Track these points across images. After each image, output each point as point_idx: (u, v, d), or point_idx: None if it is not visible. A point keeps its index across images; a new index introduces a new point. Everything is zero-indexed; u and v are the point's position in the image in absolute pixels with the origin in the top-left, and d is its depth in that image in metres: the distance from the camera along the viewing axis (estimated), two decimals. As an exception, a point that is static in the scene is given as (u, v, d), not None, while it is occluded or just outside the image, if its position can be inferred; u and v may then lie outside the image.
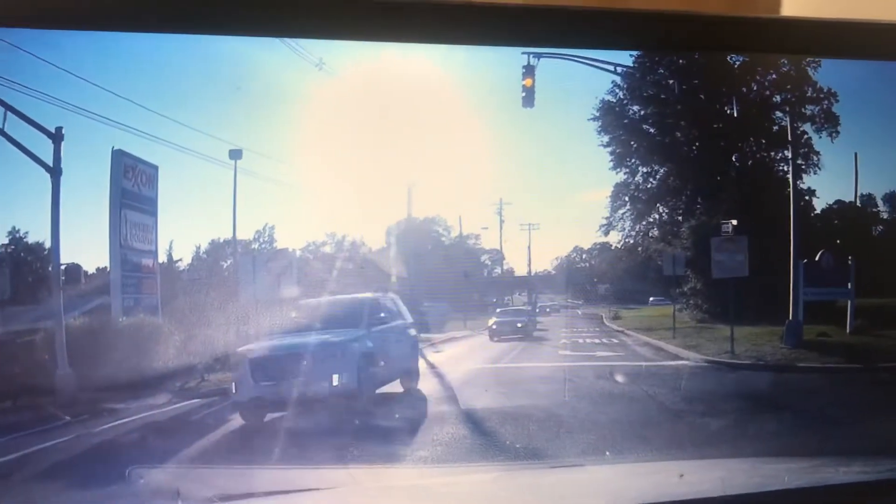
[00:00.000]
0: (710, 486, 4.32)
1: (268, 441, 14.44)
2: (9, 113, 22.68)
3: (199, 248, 42.71)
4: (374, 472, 10.26)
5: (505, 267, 53.47)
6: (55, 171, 23.98)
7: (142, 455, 13.70)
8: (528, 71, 25.29)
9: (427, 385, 21.86)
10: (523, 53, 23.78)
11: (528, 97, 25.28)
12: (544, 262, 71.16)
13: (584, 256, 63.40)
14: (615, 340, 34.77)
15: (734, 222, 29.36)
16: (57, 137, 24.17)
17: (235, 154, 33.22)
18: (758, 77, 36.18)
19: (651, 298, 47.77)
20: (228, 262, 37.87)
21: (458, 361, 27.31)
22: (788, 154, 39.37)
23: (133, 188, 27.94)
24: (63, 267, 25.28)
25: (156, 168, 28.96)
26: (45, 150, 23.97)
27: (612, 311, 48.74)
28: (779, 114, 37.79)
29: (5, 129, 22.93)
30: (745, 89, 36.90)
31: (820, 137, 35.74)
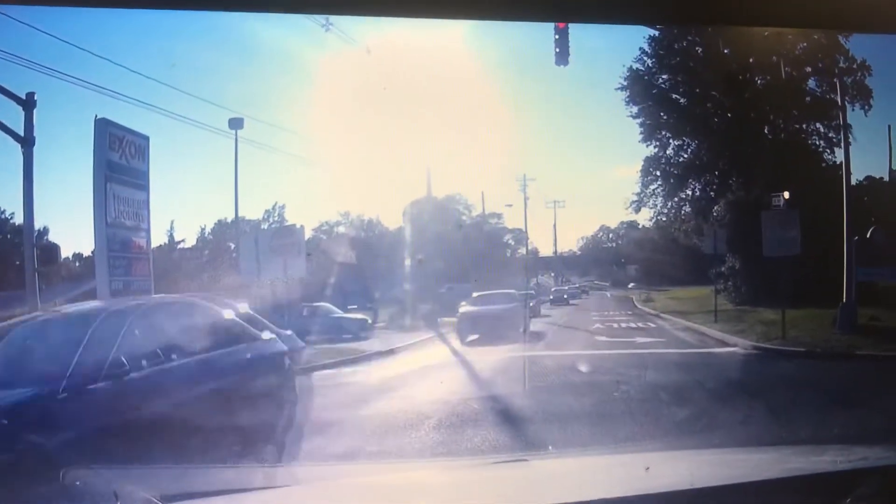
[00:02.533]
0: (677, 478, 4.03)
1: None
2: None
3: (203, 228, 41.89)
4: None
5: (529, 247, 53.44)
6: (27, 141, 21.95)
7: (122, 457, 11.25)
8: (561, 32, 23.31)
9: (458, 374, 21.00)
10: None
11: (562, 53, 23.22)
12: (569, 241, 71.05)
13: (610, 236, 63.61)
14: (652, 325, 33.39)
15: (786, 195, 27.49)
16: (29, 104, 22.14)
17: (236, 123, 31.76)
18: (789, 45, 34.90)
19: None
20: (233, 244, 37.10)
21: (485, 354, 25.19)
22: (821, 127, 38.80)
23: (121, 160, 26.08)
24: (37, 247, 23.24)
25: (146, 139, 27.35)
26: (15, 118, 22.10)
27: (642, 293, 48.74)
28: (811, 84, 37.90)
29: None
30: (775, 58, 36.05)
31: (853, 110, 34.82)
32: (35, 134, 22.15)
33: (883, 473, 3.58)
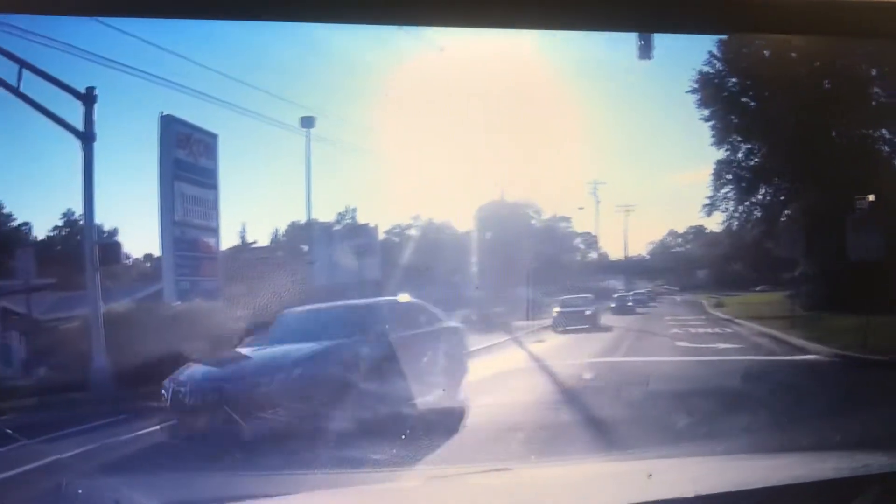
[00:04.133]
0: (679, 485, 3.91)
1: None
2: (27, 71, 20.06)
3: (277, 231, 41.32)
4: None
5: (599, 251, 53.20)
6: (87, 138, 21.15)
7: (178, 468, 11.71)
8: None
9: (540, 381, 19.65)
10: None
11: (646, 47, 22.05)
12: (638, 246, 70.60)
13: (678, 240, 63.14)
14: (728, 330, 32.36)
15: (871, 198, 26.28)
16: (89, 99, 21.29)
17: (307, 122, 30.84)
18: (854, 50, 33.52)
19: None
20: (301, 250, 36.51)
21: (564, 354, 24.78)
22: (886, 133, 37.73)
23: (188, 158, 25.67)
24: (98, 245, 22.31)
25: (214, 136, 26.89)
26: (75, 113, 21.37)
27: (712, 298, 47.48)
28: (876, 90, 36.51)
29: (21, 89, 20.06)
30: (841, 62, 34.96)
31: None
32: (96, 130, 21.35)
33: (882, 480, 3.53)
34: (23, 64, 19.78)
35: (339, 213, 38.09)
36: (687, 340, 27.77)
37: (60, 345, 21.77)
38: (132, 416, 16.33)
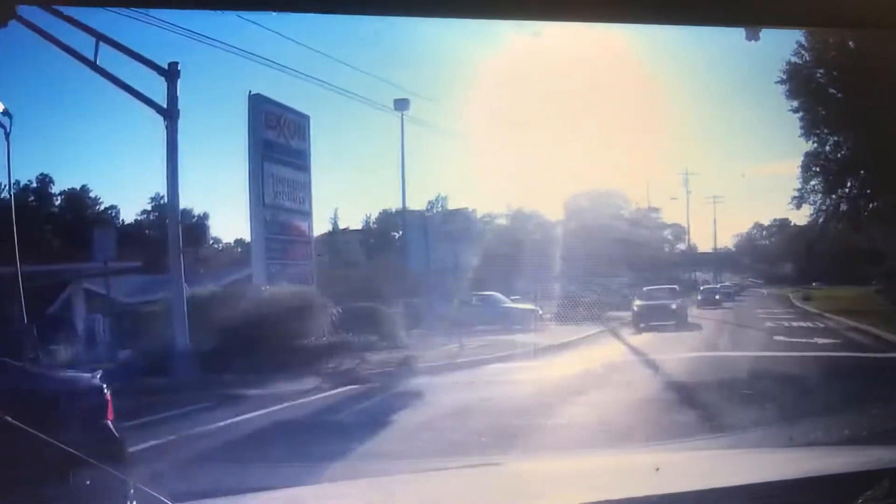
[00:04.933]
0: (687, 479, 3.89)
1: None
2: (104, 44, 19.00)
3: (368, 217, 40.78)
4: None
5: (688, 243, 52.78)
6: (171, 114, 20.12)
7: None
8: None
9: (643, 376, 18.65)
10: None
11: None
12: (723, 238, 70.11)
13: (763, 233, 62.93)
14: (820, 325, 31.55)
15: None
16: (172, 74, 20.29)
17: (402, 104, 29.92)
18: None
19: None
20: (399, 233, 35.92)
21: (663, 347, 23.76)
22: None
23: (279, 139, 24.85)
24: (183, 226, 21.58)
25: (306, 118, 26.16)
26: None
27: (798, 292, 47.53)
28: None
29: (98, 63, 19.14)
30: None
31: None
32: (180, 108, 20.45)
33: (894, 475, 3.29)
34: (100, 37, 18.90)
35: (430, 202, 37.56)
36: (784, 334, 26.96)
37: (144, 328, 21.14)
38: (214, 405, 15.34)
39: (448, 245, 26.26)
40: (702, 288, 46.35)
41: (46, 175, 31.69)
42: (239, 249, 31.63)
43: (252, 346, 18.23)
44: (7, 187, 26.08)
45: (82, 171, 37.20)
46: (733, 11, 2.70)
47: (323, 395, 16.55)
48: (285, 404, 15.29)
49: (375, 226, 38.35)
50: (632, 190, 59.60)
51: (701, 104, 53.60)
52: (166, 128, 20.25)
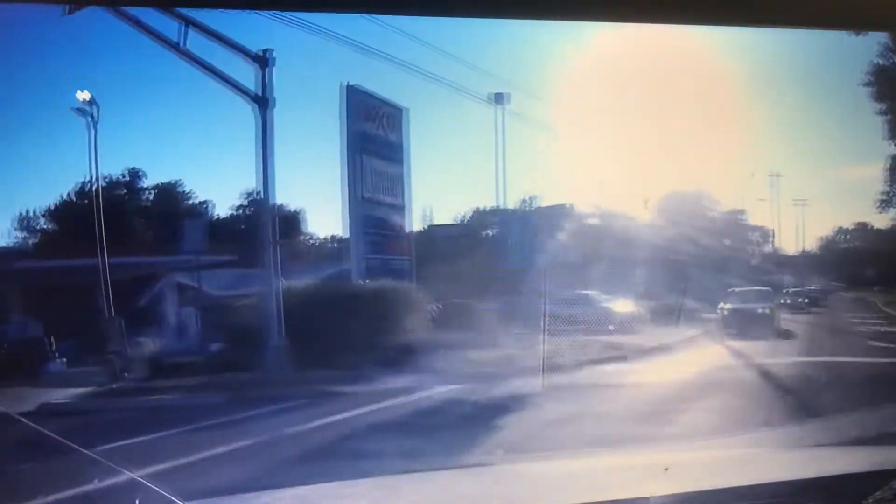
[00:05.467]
0: (696, 479, 3.95)
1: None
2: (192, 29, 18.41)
3: (463, 212, 40.04)
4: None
5: (773, 246, 52.03)
6: (264, 103, 19.35)
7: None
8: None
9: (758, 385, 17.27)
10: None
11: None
12: (807, 240, 68.82)
13: (847, 237, 61.82)
14: None
15: None
16: (265, 62, 19.53)
17: (500, 98, 28.92)
18: None
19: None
20: (490, 231, 35.30)
21: (768, 351, 22.60)
22: None
23: (375, 131, 24.10)
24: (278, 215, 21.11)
25: (401, 110, 25.29)
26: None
27: (884, 296, 46.15)
28: None
29: (187, 47, 18.50)
30: None
31: None
32: (275, 95, 19.67)
33: None
34: (188, 21, 18.27)
35: (523, 200, 36.85)
36: (879, 340, 25.81)
37: (236, 322, 20.51)
38: (307, 403, 14.60)
39: (546, 242, 25.89)
40: (788, 291, 45.34)
41: (138, 169, 31.34)
42: (333, 244, 30.89)
43: (347, 343, 17.61)
44: (95, 178, 25.61)
45: (174, 164, 36.93)
46: (734, 11, 2.66)
47: (425, 394, 15.53)
48: (384, 403, 14.47)
49: (469, 221, 37.41)
50: (718, 191, 58.64)
51: (785, 105, 52.56)
52: (260, 117, 19.50)
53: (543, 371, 16.28)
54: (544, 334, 16.78)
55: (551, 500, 3.79)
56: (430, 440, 11.35)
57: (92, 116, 22.84)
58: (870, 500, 3.06)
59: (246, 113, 19.72)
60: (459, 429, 12.40)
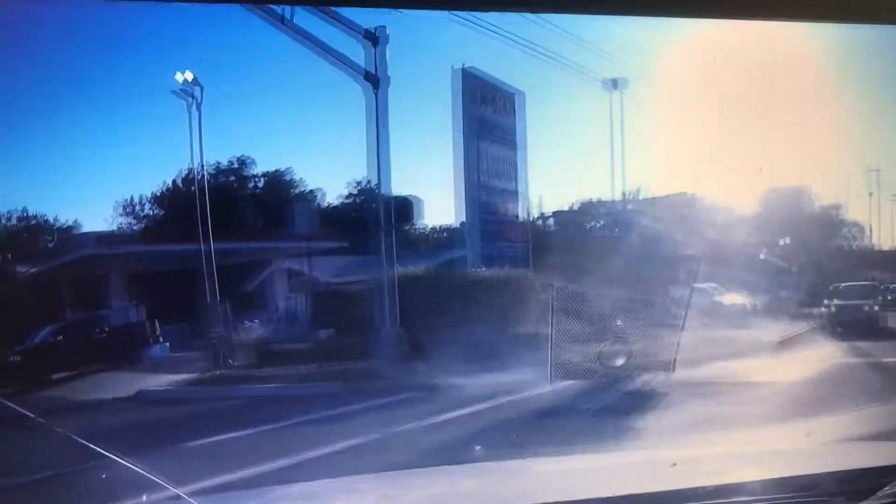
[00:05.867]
0: (703, 475, 4.03)
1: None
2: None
3: (577, 203, 39.13)
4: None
5: (872, 242, 50.98)
6: (376, 82, 18.53)
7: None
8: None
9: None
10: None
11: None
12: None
13: None
14: None
15: None
16: (377, 39, 18.70)
17: (616, 84, 27.68)
18: None
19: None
20: (604, 220, 34.54)
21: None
22: None
23: (491, 116, 23.32)
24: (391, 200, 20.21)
25: (514, 95, 24.28)
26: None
27: None
28: None
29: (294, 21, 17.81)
30: None
31: None
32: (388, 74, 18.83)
33: None
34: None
35: (632, 190, 36.01)
36: None
37: (345, 309, 20.01)
38: (421, 397, 13.79)
39: (661, 233, 25.48)
40: (891, 287, 43.86)
41: (247, 156, 30.69)
42: (446, 231, 30.15)
43: (463, 333, 16.70)
44: (200, 162, 25.10)
45: (280, 146, 36.28)
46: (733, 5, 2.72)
47: (546, 389, 14.19)
48: (502, 399, 13.56)
49: (585, 208, 36.58)
50: (818, 186, 57.76)
51: (880, 101, 51.19)
52: (372, 97, 18.72)
53: (673, 366, 15.22)
54: (682, 329, 15.62)
55: (561, 496, 3.65)
56: (550, 442, 10.50)
57: (193, 97, 22.21)
58: (874, 496, 3.05)
59: (355, 94, 18.97)
60: (586, 432, 11.71)
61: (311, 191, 31.29)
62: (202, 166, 24.86)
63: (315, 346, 19.13)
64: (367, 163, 20.19)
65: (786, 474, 3.60)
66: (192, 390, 16.87)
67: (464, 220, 23.90)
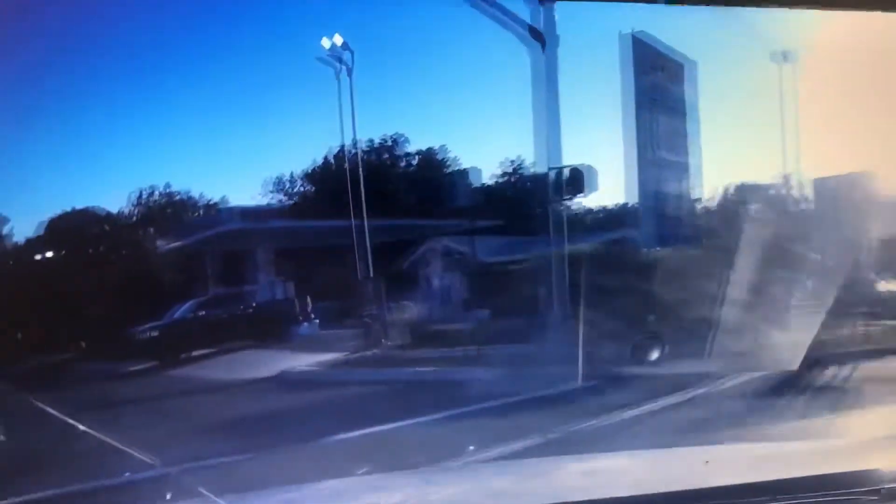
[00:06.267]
0: (736, 472, 3.81)
1: None
2: None
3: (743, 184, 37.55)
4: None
5: None
6: (545, 40, 17.51)
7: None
8: None
9: None
10: None
11: None
12: None
13: None
14: None
15: None
16: None
17: (785, 57, 25.87)
18: None
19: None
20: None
21: None
22: None
23: (665, 86, 22.25)
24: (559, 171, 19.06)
25: (687, 64, 23.02)
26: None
27: None
28: None
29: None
30: None
31: None
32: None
33: None
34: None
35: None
36: None
37: (505, 290, 18.89)
38: (600, 386, 12.45)
39: (837, 214, 23.40)
40: None
41: (401, 134, 29.81)
42: (613, 208, 28.86)
43: (636, 317, 15.88)
44: (352, 133, 24.28)
45: (437, 125, 35.21)
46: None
47: (729, 383, 13.32)
48: (683, 393, 12.10)
49: (759, 186, 34.91)
50: None
51: None
52: (539, 59, 17.74)
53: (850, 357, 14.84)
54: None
55: (589, 494, 3.50)
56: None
57: (342, 62, 21.34)
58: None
59: (517, 57, 18.20)
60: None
61: (466, 168, 30.47)
62: (354, 138, 24.06)
63: (473, 328, 18.09)
64: (532, 131, 19.03)
65: (824, 471, 3.48)
66: (338, 372, 16.25)
67: (635, 195, 22.66)
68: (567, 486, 3.97)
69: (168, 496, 3.51)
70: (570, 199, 19.57)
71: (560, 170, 18.96)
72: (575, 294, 16.87)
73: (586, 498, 3.46)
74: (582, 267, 17.55)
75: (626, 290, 16.40)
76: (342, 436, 9.26)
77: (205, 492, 2.98)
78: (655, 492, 3.30)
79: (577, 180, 18.97)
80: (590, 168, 19.32)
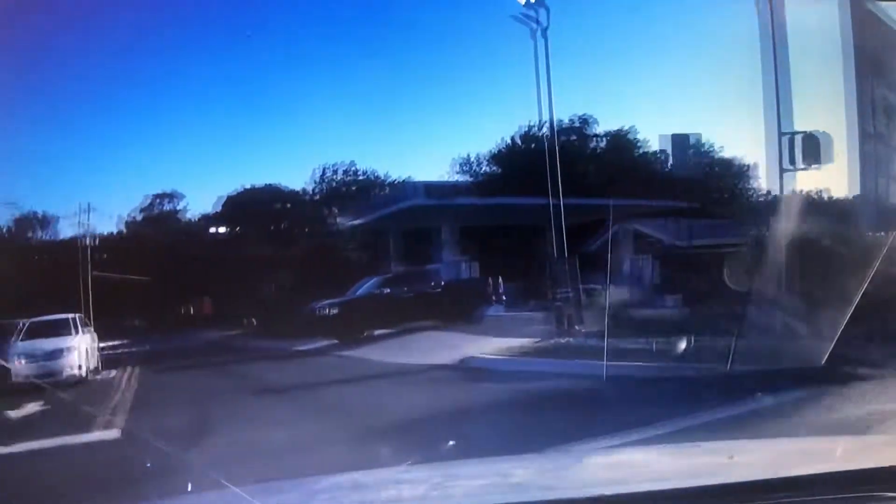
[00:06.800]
0: (759, 467, 3.73)
1: None
2: None
3: None
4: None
5: None
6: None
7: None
8: None
9: None
10: None
11: None
12: None
13: None
14: None
15: None
16: None
17: None
18: None
19: None
20: None
21: None
22: None
23: (888, 56, 20.56)
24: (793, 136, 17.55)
25: None
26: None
27: None
28: None
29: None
30: None
31: None
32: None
33: None
34: None
35: None
36: None
37: (710, 276, 17.45)
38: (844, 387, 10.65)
39: None
40: None
41: (589, 115, 28.67)
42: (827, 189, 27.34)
43: (873, 309, 13.39)
44: (549, 108, 23.05)
45: (625, 108, 33.99)
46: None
47: None
48: None
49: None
50: None
51: None
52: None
53: None
54: None
55: (613, 488, 3.36)
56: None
57: (538, 22, 20.33)
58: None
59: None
60: None
61: (659, 157, 29.14)
62: (551, 107, 22.41)
63: (678, 317, 17.01)
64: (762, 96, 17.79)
65: (844, 468, 3.32)
66: (526, 361, 14.82)
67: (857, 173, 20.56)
68: (590, 479, 4.00)
69: (189, 487, 3.58)
70: (805, 169, 17.72)
71: (792, 136, 17.51)
72: (790, 281, 15.83)
73: (610, 492, 3.28)
74: (796, 252, 16.21)
75: (849, 278, 14.53)
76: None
77: (225, 482, 3.00)
78: (679, 486, 3.24)
79: (812, 144, 17.28)
80: (825, 135, 17.62)
